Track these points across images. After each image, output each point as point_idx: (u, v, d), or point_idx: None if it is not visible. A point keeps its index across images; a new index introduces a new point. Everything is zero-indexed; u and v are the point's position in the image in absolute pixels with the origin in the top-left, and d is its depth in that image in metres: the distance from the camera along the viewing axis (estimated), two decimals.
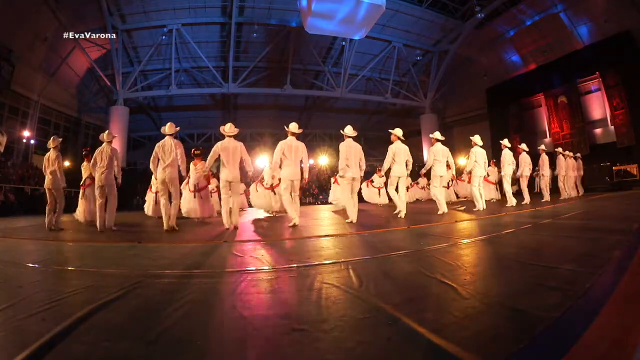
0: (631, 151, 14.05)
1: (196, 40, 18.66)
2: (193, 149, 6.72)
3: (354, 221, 4.68)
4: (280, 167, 4.73)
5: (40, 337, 1.02)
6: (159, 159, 4.57)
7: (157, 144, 4.58)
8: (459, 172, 10.72)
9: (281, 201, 5.25)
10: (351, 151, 4.88)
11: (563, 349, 0.87)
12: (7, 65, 14.30)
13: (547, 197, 8.36)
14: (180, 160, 4.62)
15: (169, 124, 4.70)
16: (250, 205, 9.72)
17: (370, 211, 7.68)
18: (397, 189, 5.70)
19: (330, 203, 10.72)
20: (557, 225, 3.63)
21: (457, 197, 11.37)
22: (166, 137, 4.61)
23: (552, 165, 9.25)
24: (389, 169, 5.73)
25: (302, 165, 4.78)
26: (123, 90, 19.16)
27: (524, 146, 8.14)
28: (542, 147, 8.65)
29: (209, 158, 4.64)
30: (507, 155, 7.18)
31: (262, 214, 7.50)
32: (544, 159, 8.49)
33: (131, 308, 1.36)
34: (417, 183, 12.83)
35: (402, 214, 5.33)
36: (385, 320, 1.12)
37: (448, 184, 9.93)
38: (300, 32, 17.05)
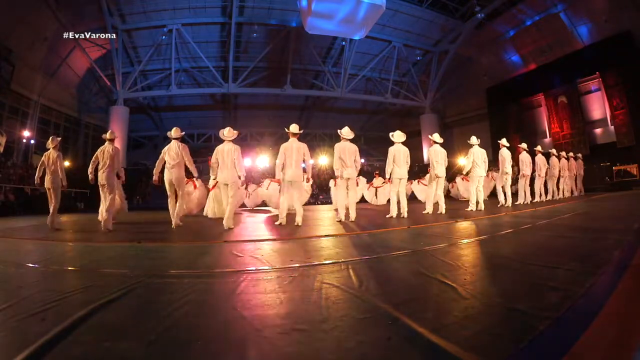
0: (631, 151, 14.02)
1: (196, 40, 18.64)
2: (209, 156, 6.86)
3: (353, 219, 4.74)
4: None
5: (40, 337, 1.03)
6: (165, 162, 4.81)
7: (164, 148, 4.85)
8: (460, 172, 10.79)
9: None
10: (345, 152, 4.98)
11: (563, 349, 0.87)
12: (7, 65, 14.28)
13: (542, 197, 8.37)
14: (187, 162, 4.88)
15: (174, 128, 4.96)
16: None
17: (369, 211, 7.68)
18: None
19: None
20: (557, 225, 3.63)
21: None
22: (172, 141, 4.79)
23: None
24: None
25: (305, 165, 4.83)
26: (123, 90, 19.14)
27: (524, 145, 8.14)
28: (538, 147, 8.67)
29: (212, 163, 4.70)
30: (505, 154, 7.16)
31: (259, 214, 7.49)
32: (540, 159, 8.50)
33: (131, 308, 1.36)
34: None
35: (394, 215, 5.35)
36: (385, 320, 1.12)
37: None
38: (300, 32, 17.04)
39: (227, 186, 4.66)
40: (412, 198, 11.14)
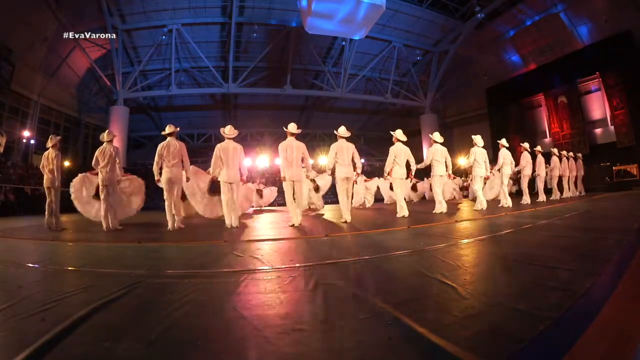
0: (631, 151, 14.04)
1: (196, 40, 18.66)
2: None
3: (349, 220, 4.69)
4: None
5: (40, 337, 1.03)
6: (163, 160, 4.64)
7: (161, 145, 4.67)
8: (461, 173, 10.80)
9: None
10: (342, 151, 4.90)
11: (563, 349, 0.87)
12: (7, 65, 14.29)
13: (542, 197, 8.34)
14: (185, 162, 4.78)
15: (168, 125, 4.82)
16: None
17: (370, 211, 7.68)
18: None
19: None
20: (557, 225, 3.63)
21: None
22: (169, 138, 4.69)
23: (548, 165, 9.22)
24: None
25: (304, 164, 4.80)
26: (123, 90, 19.15)
27: (526, 145, 8.12)
28: (538, 147, 8.65)
29: (213, 162, 4.65)
30: (504, 154, 7.15)
31: (261, 215, 7.49)
32: (540, 159, 8.47)
33: (131, 308, 1.36)
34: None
35: (405, 214, 5.29)
36: (385, 320, 1.12)
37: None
38: (300, 32, 17.05)
39: (231, 185, 4.64)
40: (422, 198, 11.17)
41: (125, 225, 5.48)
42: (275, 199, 11.85)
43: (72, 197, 6.03)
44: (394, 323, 1.09)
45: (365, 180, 9.89)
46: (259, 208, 10.44)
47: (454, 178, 11.83)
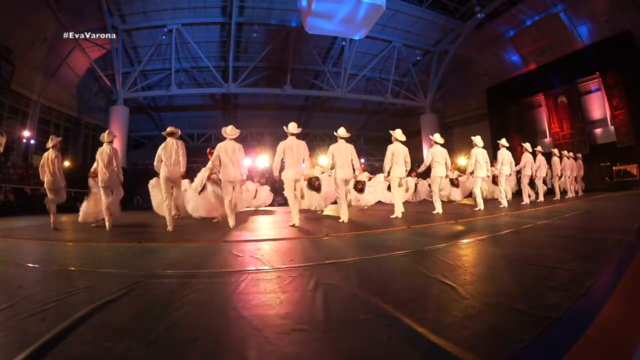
0: (631, 151, 14.03)
1: (196, 40, 18.64)
2: (209, 148, 6.50)
3: (346, 221, 4.68)
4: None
5: (40, 337, 1.03)
6: (162, 159, 4.65)
7: (160, 146, 4.69)
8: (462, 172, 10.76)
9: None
10: (341, 152, 4.89)
11: (563, 349, 0.87)
12: (7, 65, 14.28)
13: (541, 197, 8.32)
14: (182, 161, 4.75)
15: (169, 127, 4.83)
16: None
17: (369, 211, 7.68)
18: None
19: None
20: (557, 225, 3.63)
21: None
22: (168, 138, 4.70)
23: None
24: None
25: (305, 163, 4.80)
26: (123, 90, 19.14)
27: (527, 146, 8.11)
28: (539, 147, 8.65)
29: (212, 161, 4.67)
30: (504, 154, 7.14)
31: (263, 215, 7.48)
32: (540, 159, 8.47)
33: (131, 308, 1.36)
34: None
35: (399, 215, 5.29)
36: (385, 320, 1.12)
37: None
38: (300, 32, 17.04)
39: (233, 184, 4.65)
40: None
41: (125, 225, 5.48)
42: (274, 199, 11.78)
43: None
44: (394, 323, 1.09)
45: (369, 179, 9.80)
46: (255, 209, 10.39)
47: (460, 176, 11.73)
